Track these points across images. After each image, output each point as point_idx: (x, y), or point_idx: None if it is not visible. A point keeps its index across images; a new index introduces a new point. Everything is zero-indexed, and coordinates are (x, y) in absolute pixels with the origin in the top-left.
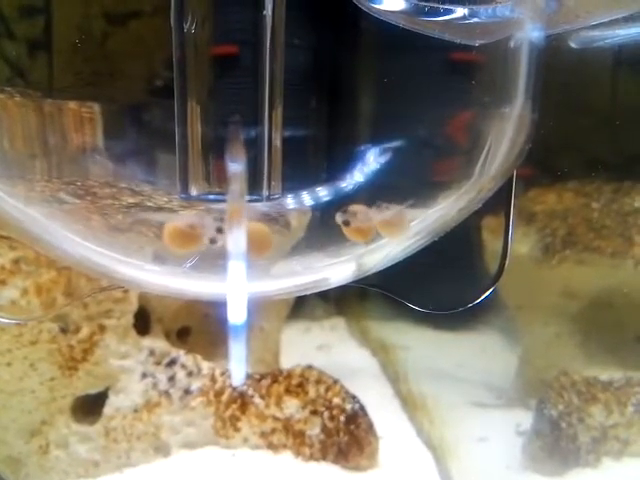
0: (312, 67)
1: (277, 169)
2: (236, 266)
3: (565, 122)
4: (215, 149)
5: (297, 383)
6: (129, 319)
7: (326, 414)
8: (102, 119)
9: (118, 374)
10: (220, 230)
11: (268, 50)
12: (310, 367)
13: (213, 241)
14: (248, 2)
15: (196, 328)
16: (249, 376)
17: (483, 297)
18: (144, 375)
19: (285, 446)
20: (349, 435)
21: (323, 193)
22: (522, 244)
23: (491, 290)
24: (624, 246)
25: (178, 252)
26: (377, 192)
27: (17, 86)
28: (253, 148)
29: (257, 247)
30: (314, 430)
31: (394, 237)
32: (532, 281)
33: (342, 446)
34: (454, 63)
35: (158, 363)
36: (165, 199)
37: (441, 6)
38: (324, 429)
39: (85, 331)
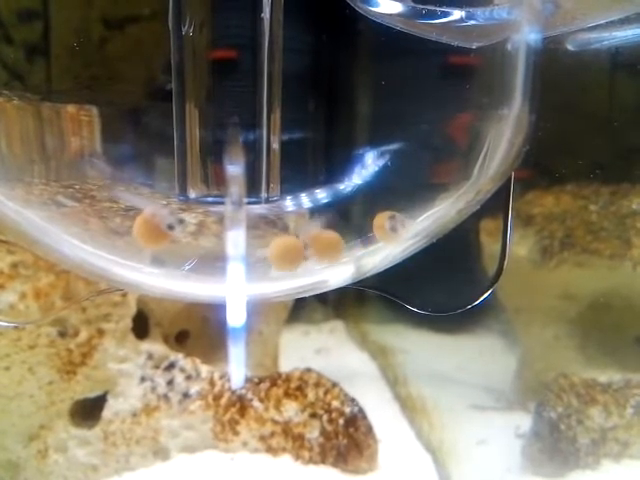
0: (310, 70)
1: (275, 172)
2: (235, 268)
3: (563, 124)
4: (213, 152)
5: (296, 386)
6: (128, 323)
7: (325, 417)
8: (100, 122)
9: (117, 378)
10: (171, 227)
11: (266, 53)
12: (309, 370)
13: (171, 227)
14: (246, 6)
15: (195, 332)
16: (248, 379)
17: (482, 299)
18: (143, 379)
19: (284, 449)
20: (348, 438)
21: (321, 195)
22: (520, 246)
23: (490, 292)
24: (622, 248)
25: (148, 247)
26: (375, 194)
27: (15, 90)
28: (252, 151)
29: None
30: (313, 433)
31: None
32: (530, 283)
33: (341, 449)
34: (452, 66)
35: (157, 367)
36: (164, 202)
37: (438, 9)
38: (323, 432)
39: (84, 335)
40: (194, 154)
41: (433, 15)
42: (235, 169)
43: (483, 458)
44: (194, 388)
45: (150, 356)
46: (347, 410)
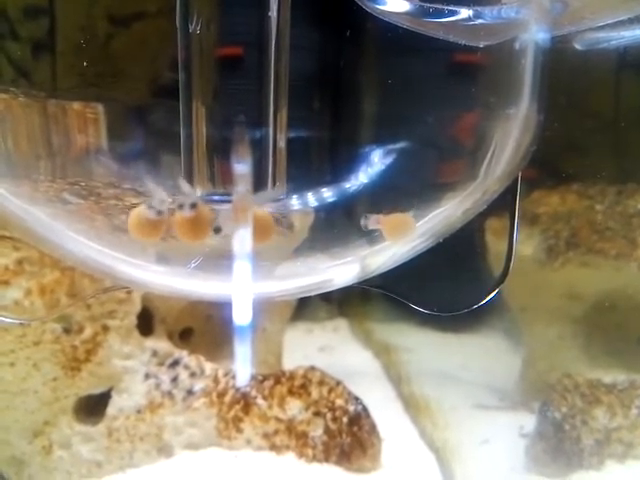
0: (316, 68)
1: (282, 170)
2: (242, 267)
3: (569, 124)
4: (220, 150)
5: (300, 384)
6: (132, 320)
7: (329, 415)
8: (106, 120)
9: (121, 375)
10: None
11: (273, 51)
12: (313, 368)
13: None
14: (253, 3)
15: (199, 329)
16: (252, 377)
17: (488, 299)
18: (147, 376)
19: (288, 447)
20: (352, 437)
21: (327, 194)
22: (525, 246)
23: (495, 292)
24: (628, 248)
25: (144, 239)
26: (381, 193)
27: (21, 87)
28: (258, 149)
29: (259, 234)
30: (317, 431)
31: (396, 240)
32: (535, 283)
33: (345, 448)
34: (459, 64)
35: (161, 364)
36: (169, 200)
37: (445, 7)
38: (327, 430)
39: (88, 331)
40: (200, 152)
41: (440, 14)
42: (242, 167)
43: (487, 458)
44: (198, 385)
45: (154, 353)
46: (351, 408)
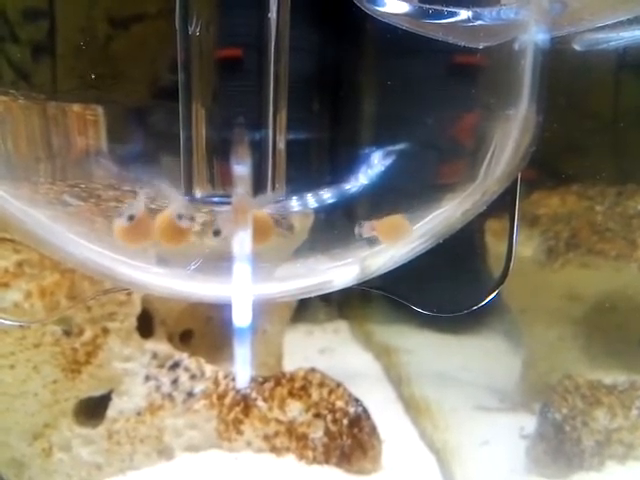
0: (316, 69)
1: (281, 171)
2: (241, 268)
3: (569, 124)
4: (219, 151)
5: (300, 386)
6: (132, 322)
7: (329, 417)
8: (106, 122)
9: (121, 377)
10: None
11: (273, 53)
12: (313, 370)
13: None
14: (253, 5)
15: (199, 331)
16: (252, 379)
17: (488, 300)
18: (147, 378)
19: (288, 449)
20: (352, 438)
21: (327, 195)
22: (525, 247)
23: (495, 293)
24: (628, 249)
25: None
26: (381, 195)
27: (21, 89)
28: (257, 151)
29: (258, 236)
30: (317, 433)
31: (393, 243)
32: (535, 284)
33: (345, 449)
34: (458, 66)
35: (161, 366)
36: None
37: (445, 9)
38: (327, 432)
39: (88, 334)
40: (200, 153)
41: (440, 15)
42: (241, 169)
43: (487, 459)
44: (198, 387)
45: (155, 355)
46: (351, 410)
